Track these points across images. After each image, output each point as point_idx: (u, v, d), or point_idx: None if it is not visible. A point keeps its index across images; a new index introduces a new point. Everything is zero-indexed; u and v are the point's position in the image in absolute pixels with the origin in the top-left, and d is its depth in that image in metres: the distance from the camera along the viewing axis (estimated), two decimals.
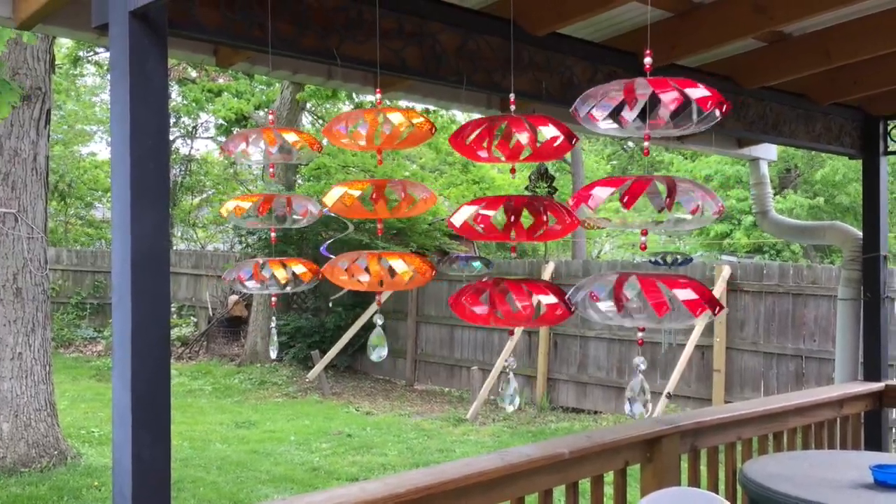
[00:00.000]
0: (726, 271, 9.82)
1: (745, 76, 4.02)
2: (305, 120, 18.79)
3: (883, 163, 5.12)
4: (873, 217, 5.11)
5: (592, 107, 1.73)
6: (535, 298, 2.16)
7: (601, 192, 1.79)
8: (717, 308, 1.78)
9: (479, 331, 12.20)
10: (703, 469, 3.93)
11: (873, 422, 5.01)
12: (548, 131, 2.08)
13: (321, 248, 2.95)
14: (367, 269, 2.28)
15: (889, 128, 5.10)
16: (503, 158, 2.12)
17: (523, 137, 2.06)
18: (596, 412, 10.91)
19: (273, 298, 2.60)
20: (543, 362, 11.37)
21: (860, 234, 5.25)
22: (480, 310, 2.09)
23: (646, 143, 1.76)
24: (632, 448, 3.48)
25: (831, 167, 18.67)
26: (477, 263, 3.18)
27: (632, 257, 22.93)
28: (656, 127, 1.71)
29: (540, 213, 2.08)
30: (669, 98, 1.66)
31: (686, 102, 1.66)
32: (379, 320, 2.39)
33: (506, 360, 2.31)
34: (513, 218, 2.08)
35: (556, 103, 3.38)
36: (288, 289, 2.47)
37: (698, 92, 1.68)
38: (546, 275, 11.33)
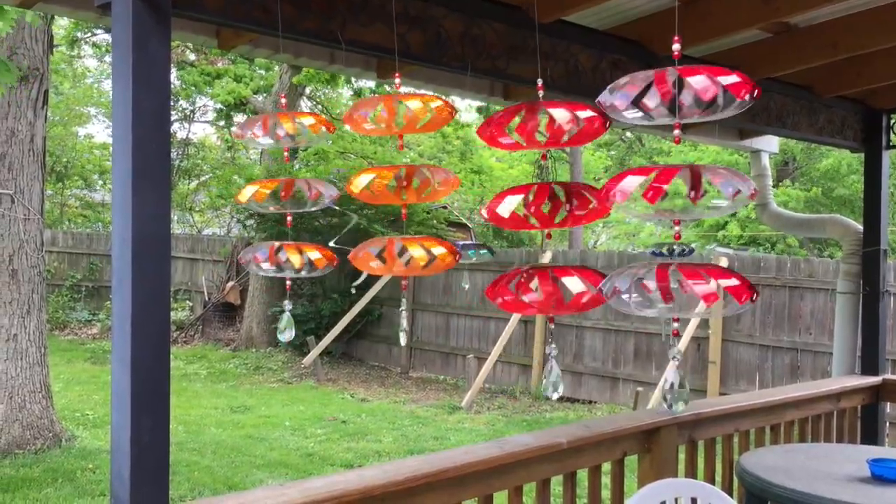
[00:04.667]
0: (723, 263, 9.82)
1: (749, 67, 3.99)
2: (304, 105, 18.71)
3: (885, 157, 5.10)
4: (874, 211, 5.11)
5: (618, 96, 1.71)
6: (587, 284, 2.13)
7: (630, 183, 1.78)
8: (755, 295, 1.79)
9: (474, 319, 12.21)
10: (701, 461, 3.94)
11: (870, 415, 5.02)
12: (584, 114, 2.07)
13: (330, 243, 2.92)
14: (399, 254, 2.27)
15: (892, 122, 5.09)
16: (543, 143, 2.08)
17: (564, 120, 2.04)
18: (591, 402, 10.93)
19: (288, 282, 2.59)
20: (539, 351, 11.37)
21: (860, 227, 5.24)
22: (531, 297, 2.07)
23: (676, 132, 1.74)
24: (630, 439, 3.48)
25: (836, 158, 18.67)
26: (485, 251, 3.15)
27: (628, 248, 22.92)
28: (688, 116, 1.70)
29: (585, 197, 2.07)
30: (702, 87, 1.65)
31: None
32: (403, 305, 2.42)
33: (548, 349, 2.34)
34: (551, 204, 2.06)
35: (560, 91, 3.36)
36: (303, 273, 2.47)
37: (730, 79, 1.67)
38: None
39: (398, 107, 2.23)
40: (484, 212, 2.18)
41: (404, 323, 2.49)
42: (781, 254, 16.76)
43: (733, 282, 1.79)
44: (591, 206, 2.10)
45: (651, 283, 1.81)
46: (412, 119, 2.23)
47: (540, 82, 2.23)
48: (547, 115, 2.05)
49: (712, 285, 1.76)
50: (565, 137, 2.07)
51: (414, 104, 2.23)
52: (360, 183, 2.31)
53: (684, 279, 1.77)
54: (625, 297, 1.93)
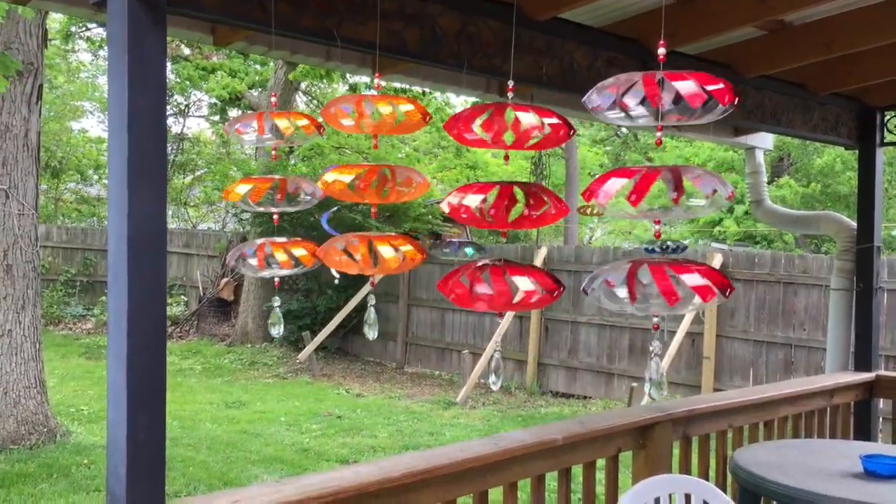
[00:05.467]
0: (718, 259, 9.84)
1: (744, 65, 4.01)
2: (300, 100, 18.67)
3: (879, 154, 5.12)
4: (868, 208, 5.12)
5: (614, 96, 1.72)
6: (513, 282, 2.13)
7: (613, 185, 1.78)
8: (728, 291, 1.79)
9: (470, 315, 12.21)
10: (695, 456, 3.95)
11: (863, 411, 5.04)
12: (549, 120, 2.07)
13: (322, 219, 2.95)
14: (347, 252, 2.29)
15: (885, 119, 5.10)
16: (509, 143, 2.09)
17: (529, 123, 2.04)
18: (585, 397, 10.96)
19: (276, 279, 2.61)
20: (534, 347, 11.40)
21: (854, 224, 5.26)
22: (462, 291, 2.08)
23: (658, 134, 1.75)
24: (624, 435, 3.49)
25: (830, 155, 18.71)
26: (469, 249, 3.16)
27: (623, 243, 22.94)
28: (669, 119, 1.71)
29: (539, 198, 2.07)
30: (690, 92, 1.66)
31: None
32: (371, 300, 2.43)
33: (495, 344, 2.43)
34: (506, 203, 2.06)
35: (555, 88, 3.37)
36: (296, 270, 2.48)
37: (714, 86, 1.68)
38: (538, 260, 11.34)
39: (367, 109, 2.25)
40: (444, 205, 2.19)
41: (373, 317, 2.51)
42: (778, 250, 16.78)
43: (704, 280, 1.80)
44: (545, 209, 2.11)
45: (624, 284, 1.83)
46: (382, 123, 2.25)
47: (511, 84, 2.24)
48: (514, 116, 2.06)
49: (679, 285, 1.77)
50: (531, 142, 2.08)
51: (384, 108, 2.25)
52: (327, 179, 2.34)
53: (653, 278, 1.79)
54: (618, 291, 1.95)
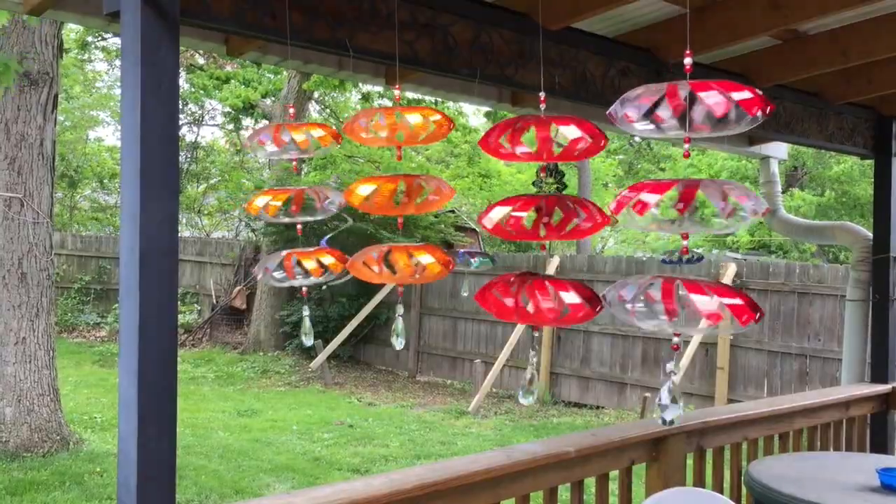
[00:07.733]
0: (732, 269, 9.78)
1: (759, 74, 3.98)
2: (313, 109, 18.73)
3: (894, 163, 5.07)
4: (884, 218, 5.08)
5: (629, 107, 1.70)
6: (560, 296, 2.11)
7: (649, 198, 1.76)
8: (759, 315, 1.77)
9: (482, 323, 12.19)
10: (709, 469, 3.92)
11: (880, 424, 4.99)
12: (571, 132, 2.04)
13: (322, 241, 2.90)
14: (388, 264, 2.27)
15: None
16: (534, 153, 2.06)
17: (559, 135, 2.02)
18: (598, 407, 10.90)
19: (304, 288, 2.59)
20: (546, 356, 11.36)
21: (870, 234, 5.21)
22: (510, 301, 2.07)
23: (686, 146, 1.73)
24: (637, 447, 3.46)
25: (847, 161, 18.58)
26: (476, 261, 3.14)
27: (636, 253, 22.86)
28: (698, 130, 1.68)
29: (571, 210, 2.05)
30: (714, 103, 1.64)
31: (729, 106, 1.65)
32: (399, 311, 2.45)
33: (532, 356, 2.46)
34: (545, 218, 2.04)
35: (568, 98, 3.35)
36: (319, 279, 2.47)
37: (742, 95, 1.66)
38: (551, 269, 11.31)
39: (399, 121, 2.22)
40: (484, 221, 2.17)
41: (400, 327, 2.49)
42: (795, 260, 16.68)
43: (737, 301, 1.78)
44: (576, 223, 2.08)
45: (656, 297, 1.81)
46: (412, 134, 2.22)
47: (542, 95, 2.20)
48: (557, 130, 2.03)
49: (716, 303, 1.75)
50: (576, 153, 2.05)
51: (414, 119, 2.22)
52: (360, 192, 2.30)
53: (688, 295, 1.77)
54: (628, 306, 1.93)
